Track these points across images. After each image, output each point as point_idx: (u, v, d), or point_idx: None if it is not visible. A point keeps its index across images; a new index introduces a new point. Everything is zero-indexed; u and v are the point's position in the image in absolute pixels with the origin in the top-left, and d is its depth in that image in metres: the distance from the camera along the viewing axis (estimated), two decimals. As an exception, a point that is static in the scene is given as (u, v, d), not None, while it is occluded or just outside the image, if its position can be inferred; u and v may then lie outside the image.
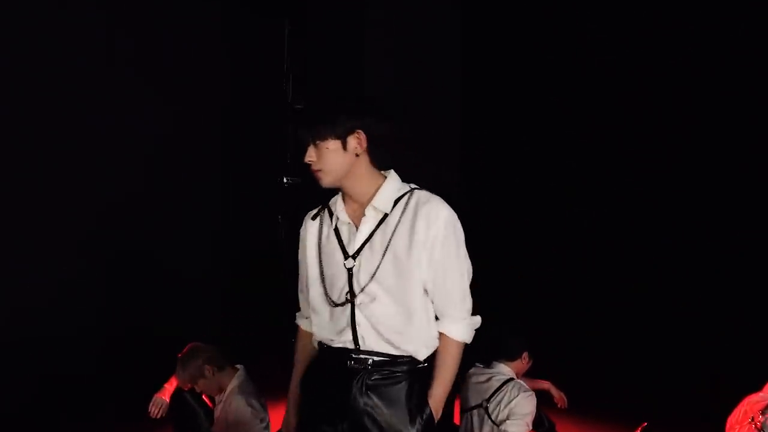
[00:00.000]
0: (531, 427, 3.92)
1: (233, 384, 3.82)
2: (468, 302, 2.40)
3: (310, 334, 2.52)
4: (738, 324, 4.82)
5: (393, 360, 2.32)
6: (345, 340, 2.34)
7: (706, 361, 4.26)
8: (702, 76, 5.32)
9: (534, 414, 3.92)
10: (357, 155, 2.32)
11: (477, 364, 4.12)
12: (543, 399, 4.16)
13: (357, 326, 2.31)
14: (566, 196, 5.57)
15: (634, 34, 5.49)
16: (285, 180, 6.66)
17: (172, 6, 5.78)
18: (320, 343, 2.44)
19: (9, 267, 4.76)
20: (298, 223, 5.40)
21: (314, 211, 2.50)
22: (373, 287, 2.30)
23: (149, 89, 5.50)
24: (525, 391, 3.93)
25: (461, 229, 2.37)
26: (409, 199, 2.34)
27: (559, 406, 4.29)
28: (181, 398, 3.92)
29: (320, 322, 2.41)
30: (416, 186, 2.41)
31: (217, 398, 3.88)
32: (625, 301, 5.10)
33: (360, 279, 2.32)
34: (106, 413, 4.83)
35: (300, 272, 2.53)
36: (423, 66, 5.41)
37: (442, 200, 2.36)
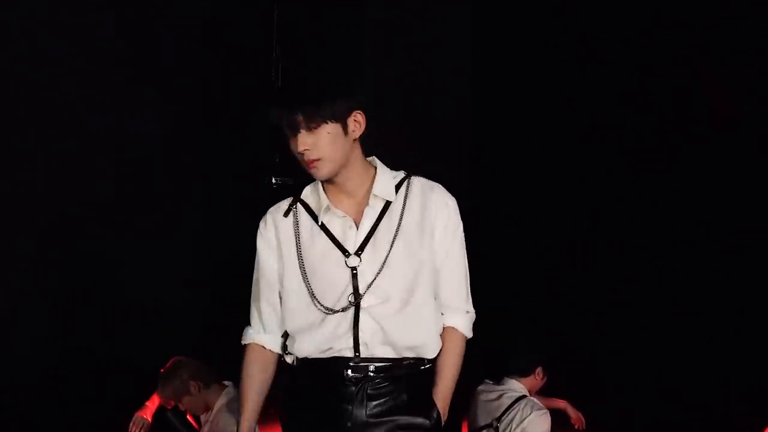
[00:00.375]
0: None
1: (221, 402, 3.56)
2: (469, 296, 2.26)
3: (270, 354, 2.25)
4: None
5: (396, 364, 2.09)
6: (341, 349, 2.08)
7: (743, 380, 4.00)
8: (709, 75, 5.11)
9: None
10: (354, 140, 2.07)
11: (486, 381, 3.93)
12: (559, 419, 3.97)
13: (360, 332, 2.05)
14: (577, 197, 5.41)
15: (645, 35, 5.39)
16: (274, 180, 5.88)
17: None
18: (303, 360, 2.15)
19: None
20: None
21: (284, 206, 2.21)
22: (382, 284, 2.06)
23: (121, 82, 4.96)
24: (539, 410, 3.71)
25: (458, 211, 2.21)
26: (409, 185, 2.15)
27: (576, 427, 4.10)
28: (164, 418, 3.69)
29: (305, 335, 2.11)
30: (405, 171, 2.21)
31: (203, 417, 3.65)
32: (654, 311, 4.87)
33: (367, 277, 2.06)
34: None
35: (260, 280, 2.24)
36: (429, 62, 5.29)
37: (441, 186, 2.21)
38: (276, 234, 2.18)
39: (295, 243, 2.14)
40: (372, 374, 2.06)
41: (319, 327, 2.09)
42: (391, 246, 2.07)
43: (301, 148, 2.02)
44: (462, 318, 2.22)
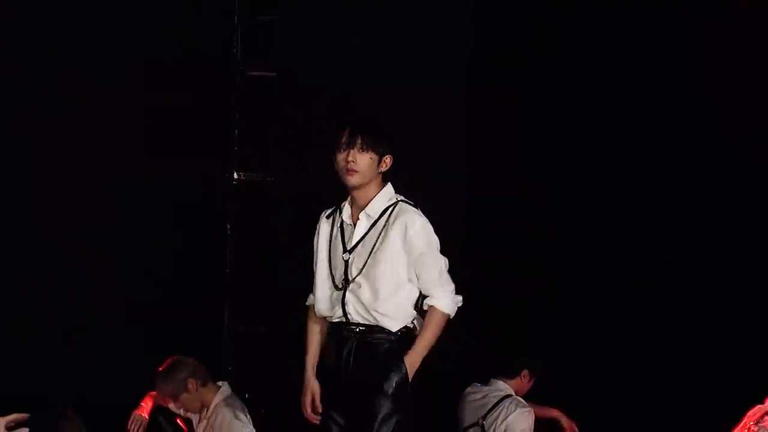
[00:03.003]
0: None
1: (218, 398, 3.91)
2: (449, 284, 3.03)
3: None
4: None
5: (373, 329, 3.00)
6: (340, 315, 3.03)
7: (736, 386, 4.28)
8: (706, 75, 5.40)
9: (532, 430, 4.00)
10: (380, 172, 3.03)
11: (474, 384, 4.19)
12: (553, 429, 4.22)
13: (346, 305, 3.00)
14: (575, 202, 5.61)
15: (642, 38, 5.61)
16: (236, 176, 5.36)
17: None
18: (324, 318, 3.13)
19: None
20: (256, 235, 5.04)
21: (329, 211, 3.17)
22: (360, 277, 3.00)
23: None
24: (522, 407, 4.00)
25: (433, 233, 3.04)
26: (393, 209, 3.03)
27: None
28: (155, 422, 4.00)
29: (321, 301, 3.10)
30: (403, 198, 3.08)
31: (200, 415, 3.94)
32: (647, 316, 5.15)
33: (352, 270, 3.01)
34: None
35: (315, 258, 3.16)
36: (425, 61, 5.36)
37: (419, 211, 3.05)
38: (321, 229, 3.16)
39: (328, 237, 3.11)
40: (357, 334, 3.00)
41: (329, 297, 3.07)
42: (372, 248, 2.99)
43: (349, 158, 2.95)
44: (440, 300, 3.00)
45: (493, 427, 3.97)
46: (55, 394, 3.95)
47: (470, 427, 4.05)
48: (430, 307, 3.00)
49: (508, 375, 4.09)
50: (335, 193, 3.27)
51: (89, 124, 4.78)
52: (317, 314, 3.12)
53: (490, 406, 4.02)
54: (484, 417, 4.01)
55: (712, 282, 4.97)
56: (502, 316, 4.89)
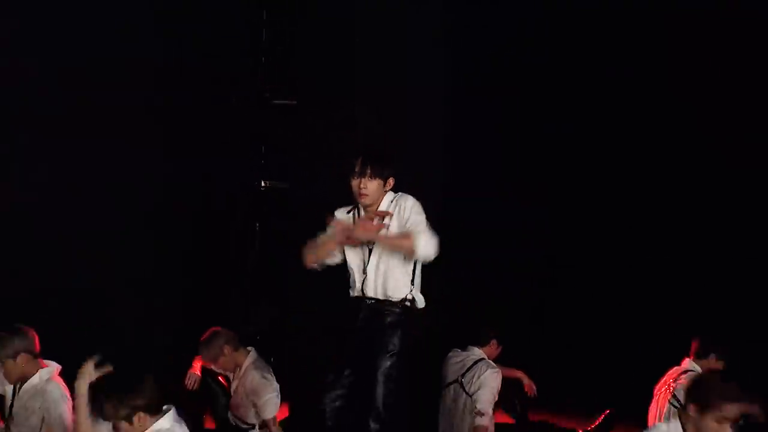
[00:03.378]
0: (497, 398, 4.62)
1: (248, 361, 4.64)
2: (431, 235, 3.53)
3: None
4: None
5: (382, 302, 3.66)
6: (358, 290, 3.71)
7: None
8: (687, 75, 5.92)
9: (500, 387, 4.64)
10: (385, 191, 3.69)
11: (455, 349, 4.86)
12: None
13: (365, 282, 3.67)
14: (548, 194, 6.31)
15: (621, 40, 6.06)
16: (262, 184, 6.28)
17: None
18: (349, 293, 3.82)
19: None
20: (279, 233, 5.72)
21: (348, 208, 3.78)
22: (375, 262, 3.66)
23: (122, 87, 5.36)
24: (492, 369, 4.68)
25: (422, 210, 3.61)
26: (395, 202, 3.68)
27: (528, 394, 4.98)
28: (205, 381, 4.73)
29: (352, 281, 3.75)
30: (401, 193, 3.70)
31: (233, 375, 4.68)
32: (592, 292, 5.92)
33: (370, 257, 3.68)
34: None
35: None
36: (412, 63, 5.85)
37: (410, 196, 3.68)
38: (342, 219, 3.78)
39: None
40: (373, 305, 3.65)
41: (354, 277, 3.72)
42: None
43: (361, 185, 3.59)
44: (419, 239, 3.50)
45: (469, 384, 4.58)
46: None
47: (451, 383, 4.68)
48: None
49: (481, 343, 4.75)
50: (339, 197, 3.84)
51: (160, 142, 5.70)
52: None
53: (467, 367, 4.66)
54: (463, 375, 4.64)
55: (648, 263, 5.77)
56: (477, 300, 5.67)
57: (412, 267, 3.66)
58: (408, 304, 3.64)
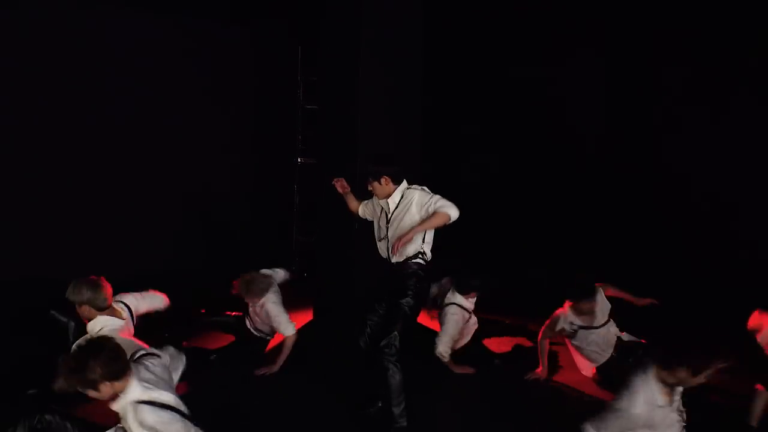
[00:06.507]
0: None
1: (269, 294, 5.82)
2: (450, 203, 4.49)
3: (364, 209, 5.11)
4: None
5: (403, 263, 4.68)
6: (383, 252, 4.82)
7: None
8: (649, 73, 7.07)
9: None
10: (386, 185, 4.74)
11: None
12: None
13: (388, 248, 4.70)
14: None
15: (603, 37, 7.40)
16: (299, 160, 9.00)
17: (209, 36, 8.58)
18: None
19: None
20: (309, 192, 8.77)
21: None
22: (395, 229, 4.67)
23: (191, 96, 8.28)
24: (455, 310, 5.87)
25: (427, 189, 4.64)
26: (405, 193, 4.72)
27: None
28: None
29: (378, 248, 4.88)
30: (411, 186, 4.73)
31: (257, 304, 5.84)
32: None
33: (389, 231, 4.73)
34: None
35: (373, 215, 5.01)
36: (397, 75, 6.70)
37: (416, 186, 4.71)
38: (372, 203, 4.95)
39: (377, 211, 4.83)
40: (393, 265, 4.68)
41: (378, 247, 4.83)
42: (399, 218, 4.63)
43: (369, 187, 4.72)
44: (444, 209, 4.41)
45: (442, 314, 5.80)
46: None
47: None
48: (434, 211, 4.46)
49: (462, 292, 5.87)
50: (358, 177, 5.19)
51: (227, 137, 8.91)
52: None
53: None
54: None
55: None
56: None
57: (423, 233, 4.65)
58: (420, 260, 4.67)
